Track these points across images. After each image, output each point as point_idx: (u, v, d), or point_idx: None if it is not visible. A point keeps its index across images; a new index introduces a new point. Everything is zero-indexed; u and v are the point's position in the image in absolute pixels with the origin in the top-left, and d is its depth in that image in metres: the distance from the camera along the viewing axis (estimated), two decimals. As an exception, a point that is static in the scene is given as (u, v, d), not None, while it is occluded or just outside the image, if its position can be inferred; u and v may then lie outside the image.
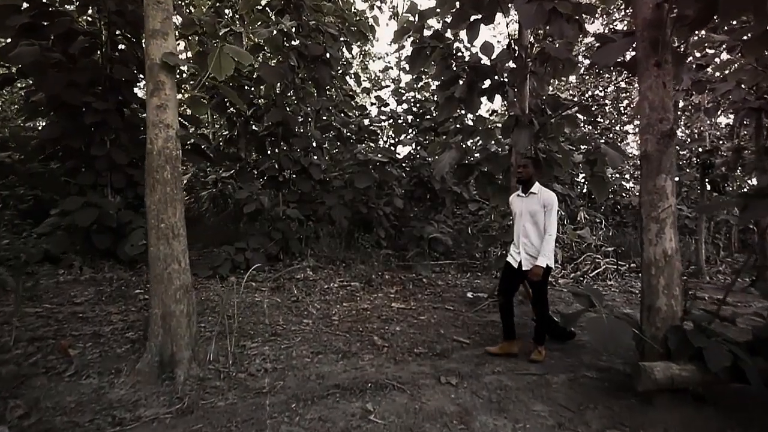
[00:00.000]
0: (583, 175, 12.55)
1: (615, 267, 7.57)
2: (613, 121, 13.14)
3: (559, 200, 9.73)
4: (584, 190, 12.80)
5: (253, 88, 7.22)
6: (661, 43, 2.85)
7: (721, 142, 11.36)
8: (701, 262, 9.07)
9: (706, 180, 9.05)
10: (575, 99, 11.78)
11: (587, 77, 12.81)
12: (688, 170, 10.35)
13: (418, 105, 9.04)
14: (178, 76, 7.47)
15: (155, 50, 2.88)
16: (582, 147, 10.59)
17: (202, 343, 3.28)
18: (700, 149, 9.32)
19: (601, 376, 3.29)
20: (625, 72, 12.94)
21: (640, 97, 2.98)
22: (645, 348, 2.89)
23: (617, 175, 12.66)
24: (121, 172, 5.80)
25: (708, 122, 10.60)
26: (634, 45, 3.80)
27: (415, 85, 9.17)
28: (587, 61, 12.67)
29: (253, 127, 7.47)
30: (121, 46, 6.16)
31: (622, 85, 13.23)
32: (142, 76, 6.18)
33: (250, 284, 5.41)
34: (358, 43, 11.65)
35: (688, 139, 9.52)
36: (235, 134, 7.81)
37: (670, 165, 2.88)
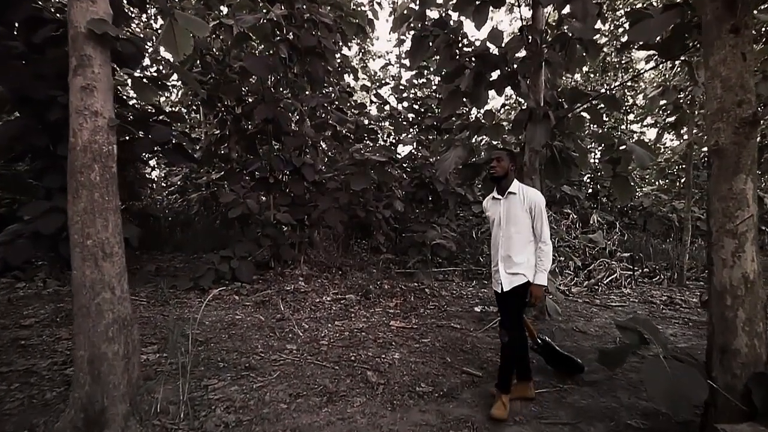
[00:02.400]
0: (589, 175, 11.75)
1: (632, 274, 6.78)
2: (619, 120, 12.31)
3: (565, 202, 8.82)
4: (590, 191, 12.00)
5: (244, 84, 6.45)
6: (740, 1, 2.08)
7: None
8: (717, 266, 8.29)
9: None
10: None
11: (593, 74, 11.98)
12: (706, 171, 9.54)
13: (419, 102, 8.26)
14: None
15: (79, 15, 2.14)
16: (592, 145, 9.84)
17: (154, 384, 2.53)
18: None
19: (648, 426, 2.52)
20: (630, 69, 12.11)
21: (709, 74, 2.20)
22: (718, 401, 2.12)
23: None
24: (94, 174, 5.05)
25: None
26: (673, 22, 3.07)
27: (415, 81, 8.38)
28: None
29: (250, 125, 6.73)
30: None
31: (622, 84, 12.39)
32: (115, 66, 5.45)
33: (233, 298, 4.66)
34: (357, 40, 10.87)
35: (705, 137, 8.74)
36: (226, 133, 7.08)
37: (752, 162, 2.11)
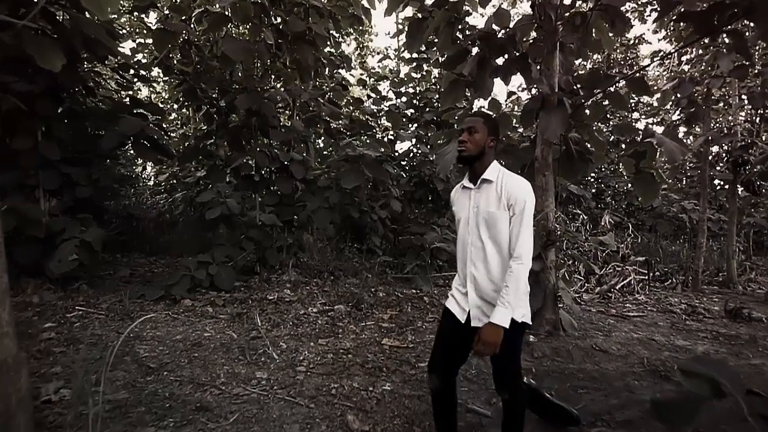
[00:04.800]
0: (594, 173, 11.04)
1: (646, 279, 6.08)
2: (623, 117, 11.56)
3: (571, 201, 8.09)
4: (593, 190, 11.29)
5: (226, 72, 5.78)
6: None
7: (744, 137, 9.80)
8: (732, 269, 7.59)
9: (740, 179, 7.54)
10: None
11: (600, 69, 11.24)
12: (719, 169, 8.84)
13: (418, 96, 7.57)
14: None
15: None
16: (601, 139, 9.12)
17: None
18: (731, 144, 7.78)
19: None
20: (638, 63, 11.39)
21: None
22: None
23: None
24: (55, 170, 4.41)
25: (742, 115, 9.07)
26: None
27: (414, 74, 7.68)
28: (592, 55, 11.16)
29: (235, 119, 6.06)
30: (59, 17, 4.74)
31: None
32: (86, 54, 4.80)
33: (207, 310, 4.00)
34: (354, 35, 10.19)
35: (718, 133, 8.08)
36: (213, 128, 6.41)
37: None
